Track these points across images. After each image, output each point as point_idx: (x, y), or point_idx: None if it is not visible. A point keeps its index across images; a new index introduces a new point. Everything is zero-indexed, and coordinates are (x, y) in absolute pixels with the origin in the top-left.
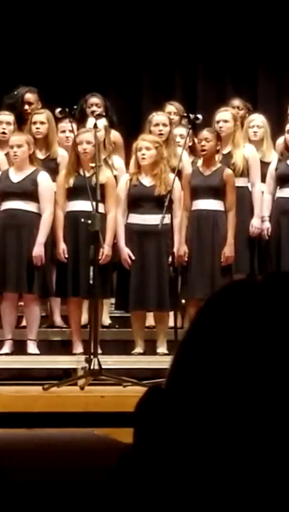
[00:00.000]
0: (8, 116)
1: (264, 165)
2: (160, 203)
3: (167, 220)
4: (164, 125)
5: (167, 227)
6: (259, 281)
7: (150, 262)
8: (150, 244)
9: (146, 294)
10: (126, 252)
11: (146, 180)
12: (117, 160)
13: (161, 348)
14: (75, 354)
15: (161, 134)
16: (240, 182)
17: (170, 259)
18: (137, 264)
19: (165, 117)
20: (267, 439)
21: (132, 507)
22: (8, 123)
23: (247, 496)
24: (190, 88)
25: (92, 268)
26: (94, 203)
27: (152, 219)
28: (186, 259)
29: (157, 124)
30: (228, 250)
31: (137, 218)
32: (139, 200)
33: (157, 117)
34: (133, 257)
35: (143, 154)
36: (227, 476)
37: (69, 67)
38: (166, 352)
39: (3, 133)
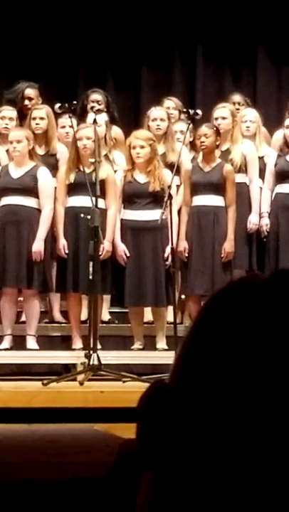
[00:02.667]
0: (11, 112)
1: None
2: (155, 199)
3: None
4: (162, 120)
5: (163, 223)
6: (264, 279)
7: (146, 258)
8: (145, 240)
9: (142, 289)
10: (121, 248)
11: (141, 177)
12: (118, 156)
13: (161, 344)
14: (74, 349)
15: (159, 129)
16: (239, 178)
17: (167, 253)
18: (132, 260)
19: (163, 112)
20: (275, 438)
21: (132, 503)
22: (10, 118)
23: (252, 495)
24: (189, 83)
25: (91, 264)
26: (93, 199)
27: (147, 215)
28: (186, 254)
29: (155, 119)
30: (229, 246)
31: (131, 214)
32: (133, 196)
33: (155, 112)
34: (128, 254)
35: (138, 153)
36: (235, 472)
37: (68, 62)
38: (166, 347)
39: (6, 128)
